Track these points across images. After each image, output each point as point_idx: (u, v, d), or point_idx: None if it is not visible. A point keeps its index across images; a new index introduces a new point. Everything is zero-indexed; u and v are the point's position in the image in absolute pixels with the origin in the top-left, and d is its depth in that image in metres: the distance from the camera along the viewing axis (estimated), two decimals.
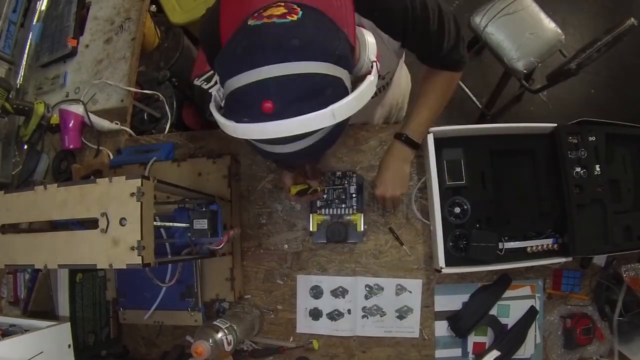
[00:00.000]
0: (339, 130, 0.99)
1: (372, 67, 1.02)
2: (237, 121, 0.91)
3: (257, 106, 0.86)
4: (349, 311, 1.73)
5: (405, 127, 1.53)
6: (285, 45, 0.86)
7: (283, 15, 0.89)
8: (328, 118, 0.88)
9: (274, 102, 0.85)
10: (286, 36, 0.87)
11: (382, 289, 1.72)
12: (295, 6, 0.91)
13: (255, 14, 0.92)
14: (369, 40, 1.03)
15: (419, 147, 1.55)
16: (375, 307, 1.72)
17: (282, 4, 0.92)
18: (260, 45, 0.87)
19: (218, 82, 1.01)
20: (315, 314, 1.74)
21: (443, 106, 1.52)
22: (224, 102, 0.97)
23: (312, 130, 0.90)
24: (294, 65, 0.86)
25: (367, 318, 1.72)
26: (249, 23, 0.90)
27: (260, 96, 0.86)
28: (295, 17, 0.89)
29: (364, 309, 1.72)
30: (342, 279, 1.73)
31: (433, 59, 1.41)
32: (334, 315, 1.73)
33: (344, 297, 1.73)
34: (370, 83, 0.97)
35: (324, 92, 0.89)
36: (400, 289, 1.71)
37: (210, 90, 1.00)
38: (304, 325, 1.75)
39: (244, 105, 0.90)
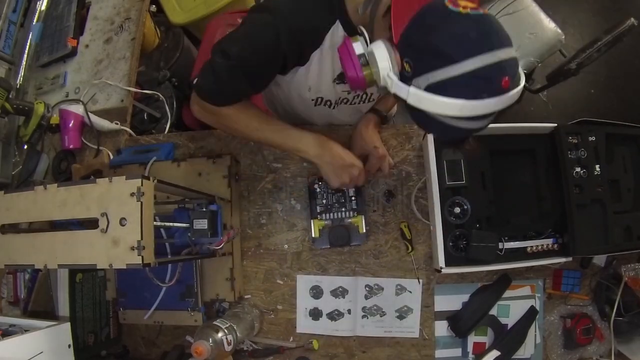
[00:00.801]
0: None
1: None
2: (472, 98, 0.97)
3: (498, 83, 0.96)
4: (349, 311, 1.74)
5: (382, 106, 1.75)
6: (505, 33, 0.99)
7: (480, 7, 1.00)
8: (520, 90, 1.01)
9: (509, 78, 0.97)
10: (500, 25, 1.00)
11: (382, 289, 1.72)
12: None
13: (451, 2, 0.98)
14: None
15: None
16: (375, 307, 1.72)
17: None
18: (494, 32, 0.98)
19: (416, 71, 1.04)
20: (316, 314, 1.74)
21: None
22: (435, 84, 1.00)
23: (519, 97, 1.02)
24: (510, 49, 0.98)
25: (367, 318, 1.72)
26: (456, 9, 0.97)
27: (501, 74, 0.96)
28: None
29: (364, 309, 1.73)
30: (342, 279, 1.73)
31: None
32: (334, 315, 1.74)
33: (344, 297, 1.74)
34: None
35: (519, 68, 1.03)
36: (401, 289, 1.72)
37: (393, 80, 1.02)
38: (304, 325, 1.75)
39: (485, 83, 0.97)
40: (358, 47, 1.13)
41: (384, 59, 1.06)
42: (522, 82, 1.02)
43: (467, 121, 1.03)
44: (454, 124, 1.04)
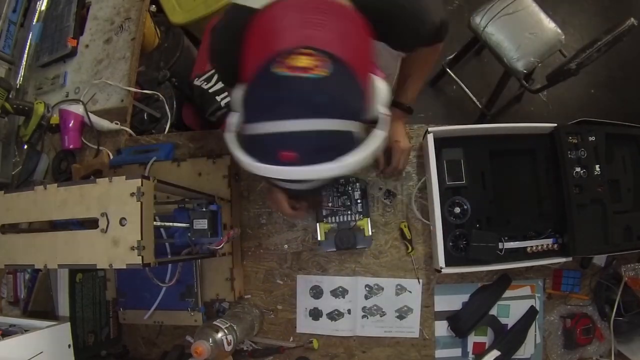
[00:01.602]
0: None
1: (381, 119, 1.05)
2: (258, 160, 0.94)
3: (277, 154, 0.89)
4: (349, 311, 1.74)
5: (403, 97, 1.61)
6: (312, 102, 0.89)
7: (312, 70, 0.89)
8: (340, 169, 0.92)
9: (293, 153, 0.89)
10: (312, 93, 0.89)
11: (382, 288, 1.73)
12: (324, 57, 0.91)
13: (280, 59, 0.91)
14: (382, 90, 1.06)
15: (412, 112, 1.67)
16: (375, 307, 1.73)
17: (311, 51, 0.92)
18: (287, 99, 0.90)
19: (235, 113, 1.05)
20: (315, 314, 1.74)
21: (431, 70, 1.65)
22: (242, 138, 0.99)
23: (324, 177, 0.95)
24: (316, 121, 0.89)
25: (367, 318, 1.73)
26: (274, 71, 0.91)
27: (281, 146, 0.90)
28: (324, 73, 0.89)
29: (363, 309, 1.73)
30: (341, 279, 1.74)
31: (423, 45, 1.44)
32: (334, 315, 1.74)
33: (344, 297, 1.74)
34: (380, 139, 1.00)
35: (339, 146, 0.93)
36: (401, 289, 1.72)
37: (230, 123, 1.02)
38: (304, 325, 1.75)
39: (264, 151, 0.93)
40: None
41: (235, 100, 1.05)
42: (334, 162, 0.92)
43: (278, 180, 1.00)
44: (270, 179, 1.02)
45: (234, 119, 1.06)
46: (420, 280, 1.70)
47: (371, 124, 1.03)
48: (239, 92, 1.02)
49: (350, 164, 0.92)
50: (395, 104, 1.61)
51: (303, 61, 0.90)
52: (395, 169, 1.67)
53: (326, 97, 0.89)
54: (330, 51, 0.93)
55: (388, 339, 1.71)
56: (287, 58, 0.90)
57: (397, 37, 1.22)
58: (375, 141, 0.99)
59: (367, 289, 1.73)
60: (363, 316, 1.73)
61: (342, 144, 0.93)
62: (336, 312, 1.74)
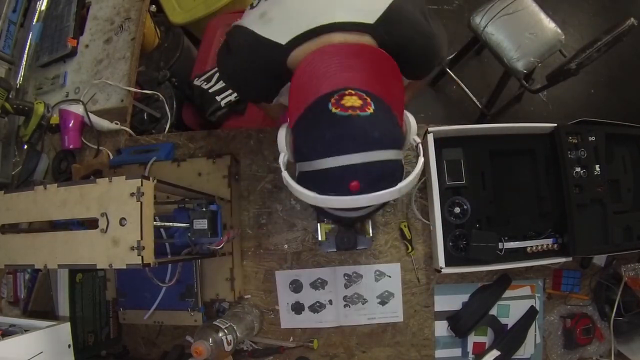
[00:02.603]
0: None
1: (417, 147, 1.17)
2: (321, 193, 1.01)
3: (345, 185, 0.98)
4: (330, 302, 1.76)
5: None
6: (369, 137, 0.99)
7: (362, 108, 0.99)
8: (396, 193, 1.02)
9: (359, 182, 0.98)
10: (369, 129, 0.99)
11: (361, 276, 1.76)
12: (365, 96, 1.01)
13: (334, 101, 1.00)
14: (412, 123, 1.19)
15: None
16: (356, 295, 1.76)
17: (354, 92, 1.02)
18: (349, 135, 0.98)
19: (284, 152, 1.14)
20: (298, 308, 1.77)
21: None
22: (303, 175, 1.07)
23: (382, 202, 1.05)
24: (375, 153, 0.99)
25: (349, 307, 1.76)
26: (333, 111, 0.99)
27: (348, 177, 0.98)
28: (371, 110, 1.00)
29: (345, 298, 1.76)
30: (320, 270, 1.76)
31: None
32: (316, 307, 1.77)
33: (323, 288, 1.77)
34: (421, 164, 1.10)
35: (394, 173, 1.04)
36: (380, 274, 1.75)
37: (280, 163, 1.11)
38: (288, 320, 1.78)
39: (332, 183, 1.00)
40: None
41: (281, 141, 1.14)
42: (393, 186, 1.02)
43: (337, 210, 1.09)
44: (331, 210, 1.12)
45: (284, 159, 1.14)
46: (398, 264, 1.74)
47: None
48: (283, 133, 1.14)
49: (404, 187, 1.02)
50: None
51: (353, 101, 1.00)
52: None
53: (379, 131, 1.00)
54: (369, 90, 1.04)
55: (388, 339, 1.72)
56: (340, 100, 1.00)
57: (412, 70, 1.28)
58: (419, 166, 1.09)
59: (345, 277, 1.76)
60: (345, 305, 1.75)
61: (396, 171, 1.04)
62: (318, 304, 1.76)
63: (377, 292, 1.74)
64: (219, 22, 2.53)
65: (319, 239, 1.67)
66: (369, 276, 1.74)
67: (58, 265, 1.16)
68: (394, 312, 1.73)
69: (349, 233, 1.66)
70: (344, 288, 1.75)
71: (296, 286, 1.76)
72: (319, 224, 1.68)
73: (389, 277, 1.73)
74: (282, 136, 1.13)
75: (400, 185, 1.02)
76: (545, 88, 2.65)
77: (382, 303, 1.73)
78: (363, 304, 1.74)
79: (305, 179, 1.05)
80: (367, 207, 1.07)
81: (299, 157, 1.08)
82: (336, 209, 1.09)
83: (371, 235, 1.67)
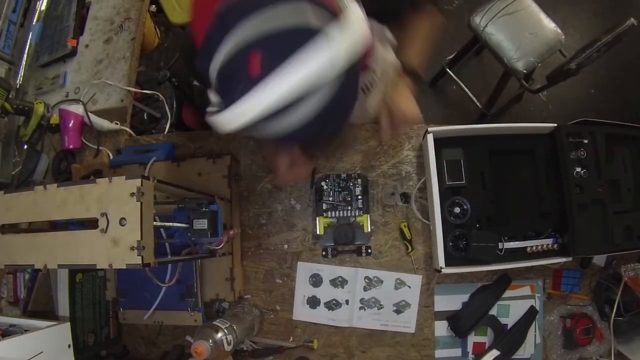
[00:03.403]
0: (343, 97, 0.90)
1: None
2: (230, 104, 0.84)
3: (245, 70, 0.80)
4: (346, 302, 1.74)
5: (406, 57, 1.47)
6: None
7: None
8: (325, 63, 0.80)
9: (258, 54, 0.79)
10: None
11: (382, 281, 1.73)
12: None
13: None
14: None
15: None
16: (373, 300, 1.73)
17: None
18: (228, 14, 0.84)
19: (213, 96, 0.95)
20: (314, 302, 1.76)
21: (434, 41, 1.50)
22: (215, 95, 0.92)
23: (311, 85, 0.81)
24: (265, 15, 0.81)
25: (365, 310, 1.73)
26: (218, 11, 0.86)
27: (243, 58, 0.80)
28: None
29: (361, 300, 1.73)
30: (342, 269, 1.74)
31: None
32: (332, 305, 1.75)
33: (342, 287, 1.75)
34: (357, 19, 0.86)
35: (302, 37, 0.80)
36: (400, 283, 1.72)
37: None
38: (301, 313, 1.77)
39: (230, 78, 0.84)
40: None
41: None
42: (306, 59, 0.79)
43: (269, 122, 0.85)
44: (262, 129, 0.88)
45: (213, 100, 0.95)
46: (420, 277, 1.71)
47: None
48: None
49: (334, 58, 0.81)
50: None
51: None
52: (386, 131, 1.44)
53: None
54: None
55: (388, 339, 1.72)
56: None
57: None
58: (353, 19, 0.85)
59: (366, 280, 1.73)
60: (360, 308, 1.73)
61: (311, 35, 0.81)
62: (334, 302, 1.75)
63: (395, 300, 1.72)
64: None
65: (317, 232, 1.68)
66: (389, 283, 1.73)
67: (58, 265, 1.16)
68: (407, 322, 1.72)
69: (347, 227, 1.68)
70: (362, 290, 1.73)
71: (316, 280, 1.75)
72: (317, 218, 1.70)
73: (409, 287, 1.72)
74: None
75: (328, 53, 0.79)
76: (545, 88, 2.65)
77: (398, 312, 1.72)
78: (379, 309, 1.73)
79: (217, 103, 0.91)
80: (299, 105, 0.83)
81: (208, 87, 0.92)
82: (260, 123, 0.84)
83: (369, 231, 1.69)
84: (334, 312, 1.74)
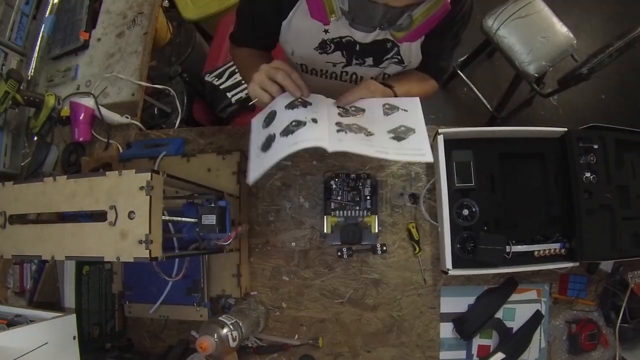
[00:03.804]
0: None
1: None
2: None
3: None
4: (313, 120, 1.22)
5: (391, 81, 1.55)
6: None
7: None
8: None
9: None
10: None
11: (363, 110, 1.36)
12: None
13: None
14: None
15: None
16: (355, 126, 1.26)
17: None
18: None
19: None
20: (268, 142, 1.26)
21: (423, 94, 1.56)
22: None
23: None
24: None
25: (346, 133, 1.22)
26: None
27: None
28: None
29: (339, 124, 1.25)
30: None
31: (433, 66, 1.61)
32: (291, 128, 1.20)
33: (305, 107, 1.28)
34: None
35: None
36: (390, 108, 1.35)
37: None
38: (255, 168, 1.26)
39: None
40: None
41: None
42: None
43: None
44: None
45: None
46: (417, 98, 1.39)
47: None
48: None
49: None
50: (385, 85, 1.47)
51: None
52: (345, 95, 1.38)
53: None
54: None
55: (393, 339, 1.71)
56: None
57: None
58: None
59: (340, 109, 1.35)
60: (339, 130, 1.22)
61: None
62: (294, 123, 1.21)
63: (389, 126, 1.27)
64: (231, 19, 2.54)
65: (325, 231, 1.68)
66: (374, 111, 1.34)
67: (65, 256, 1.16)
68: (416, 148, 1.20)
69: (355, 227, 1.66)
70: (338, 116, 1.30)
71: (270, 118, 1.31)
72: (325, 216, 1.69)
73: (405, 110, 1.33)
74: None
75: None
76: (556, 92, 2.65)
77: (398, 139, 1.23)
78: (367, 135, 1.24)
79: None
80: None
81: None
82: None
83: (377, 231, 1.68)
84: (295, 135, 1.18)
